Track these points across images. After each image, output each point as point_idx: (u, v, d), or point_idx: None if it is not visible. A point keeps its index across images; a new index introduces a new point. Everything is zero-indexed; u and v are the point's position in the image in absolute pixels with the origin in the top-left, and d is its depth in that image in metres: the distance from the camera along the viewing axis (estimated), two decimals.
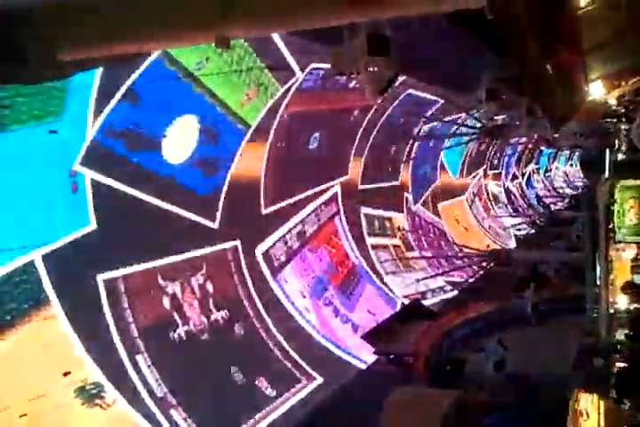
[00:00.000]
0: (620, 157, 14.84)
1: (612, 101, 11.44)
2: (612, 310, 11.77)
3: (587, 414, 8.47)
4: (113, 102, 10.03)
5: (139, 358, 10.74)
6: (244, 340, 13.53)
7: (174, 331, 11.72)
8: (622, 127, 14.97)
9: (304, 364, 14.48)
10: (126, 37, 4.30)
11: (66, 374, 9.50)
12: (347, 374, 14.72)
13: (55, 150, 9.49)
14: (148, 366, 10.83)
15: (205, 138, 12.49)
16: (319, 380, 14.44)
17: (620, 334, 11.51)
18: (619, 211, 11.23)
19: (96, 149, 9.94)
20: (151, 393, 10.80)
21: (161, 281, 11.64)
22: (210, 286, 12.90)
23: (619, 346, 11.38)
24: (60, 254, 9.53)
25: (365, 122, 18.62)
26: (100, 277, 10.33)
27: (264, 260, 14.74)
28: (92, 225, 10.13)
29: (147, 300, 11.22)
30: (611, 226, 11.46)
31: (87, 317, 9.97)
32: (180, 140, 11.81)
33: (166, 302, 11.70)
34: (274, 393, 13.41)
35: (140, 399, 10.62)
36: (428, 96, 19.84)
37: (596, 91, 7.58)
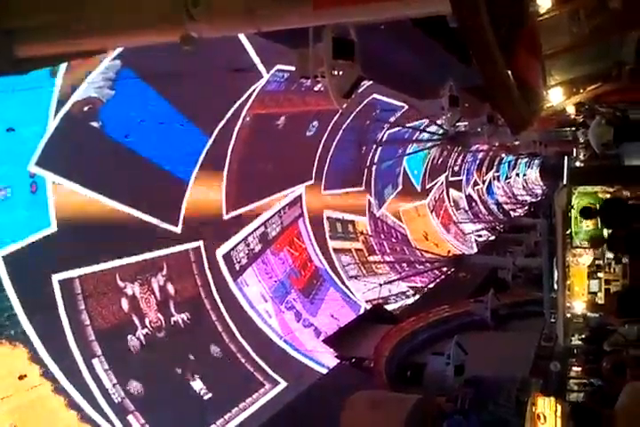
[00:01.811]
0: (578, 164, 15.18)
1: (571, 109, 11.68)
2: (568, 315, 11.97)
3: (544, 417, 8.58)
4: (74, 101, 9.86)
5: (95, 361, 10.51)
6: (205, 343, 13.37)
7: (133, 334, 11.51)
8: (580, 135, 15.31)
9: (267, 368, 14.40)
10: (87, 34, 4.21)
11: (21, 377, 9.26)
12: (308, 378, 14.68)
13: (13, 149, 9.27)
14: (105, 371, 10.61)
15: (168, 142, 12.36)
16: (283, 384, 14.37)
17: (577, 339, 11.72)
18: (576, 217, 11.44)
19: (54, 149, 9.73)
20: (108, 398, 10.58)
21: (119, 282, 11.41)
22: (171, 288, 12.72)
23: (575, 350, 11.60)
24: (19, 256, 9.33)
25: (330, 126, 18.65)
26: (56, 278, 10.10)
27: (225, 262, 14.62)
28: (53, 227, 9.94)
29: (104, 301, 10.99)
30: (568, 232, 11.67)
31: (44, 319, 9.75)
32: (142, 143, 11.66)
33: (125, 303, 11.48)
34: (236, 398, 13.29)
35: (96, 405, 10.40)
36: (393, 101, 19.99)
37: (555, 97, 7.76)
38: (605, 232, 11.35)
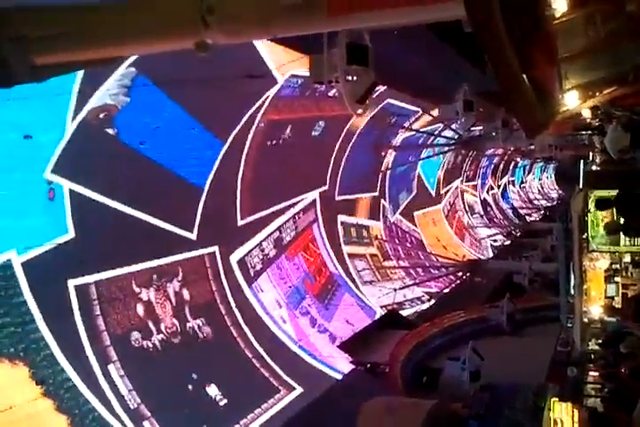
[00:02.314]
0: (594, 168, 15.07)
1: (587, 113, 11.60)
2: (585, 320, 11.88)
3: (561, 422, 8.52)
4: (90, 108, 9.94)
5: (111, 367, 10.55)
6: (221, 349, 13.38)
7: (148, 339, 11.54)
8: (596, 140, 15.20)
9: (282, 373, 14.38)
10: (103, 41, 4.25)
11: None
12: (323, 384, 14.65)
13: (30, 156, 9.37)
14: (121, 377, 10.64)
15: (183, 148, 12.42)
16: (298, 390, 14.34)
17: (594, 344, 11.62)
18: (592, 221, 11.38)
19: (70, 156, 9.82)
20: (123, 404, 10.61)
21: (135, 287, 11.45)
22: (186, 293, 12.74)
23: (592, 355, 11.49)
24: (37, 262, 9.41)
25: (344, 131, 18.67)
26: (72, 283, 10.16)
27: (239, 268, 14.64)
28: (70, 233, 10.01)
29: (120, 307, 11.03)
30: (584, 236, 11.59)
31: (60, 324, 9.82)
32: (157, 149, 11.72)
33: (140, 309, 11.51)
34: (252, 404, 13.26)
35: (112, 410, 10.43)
36: (407, 106, 19.97)
37: (571, 101, 7.71)
38: (621, 220, 11.28)
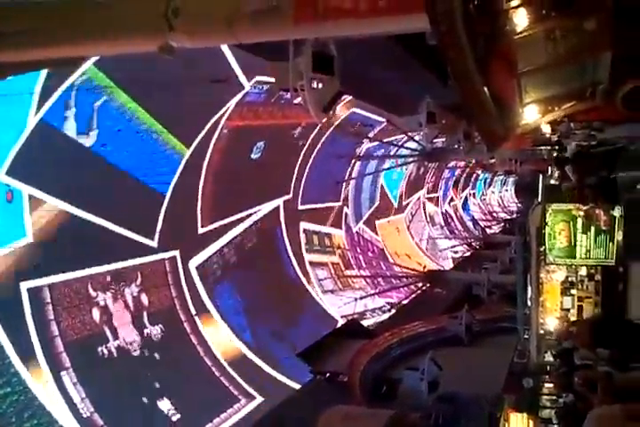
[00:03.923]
0: (553, 182, 15.35)
1: (546, 128, 11.82)
2: (542, 331, 12.03)
3: None
4: (51, 108, 9.75)
5: (63, 374, 10.26)
6: (179, 357, 13.17)
7: (104, 346, 11.28)
8: (555, 154, 15.52)
9: (242, 382, 14.24)
10: (67, 41, 4.18)
11: None
12: (283, 392, 14.55)
13: None
14: (74, 384, 10.37)
15: (145, 152, 12.25)
16: (259, 399, 14.20)
17: (549, 356, 11.77)
18: (550, 234, 11.54)
19: (27, 157, 9.59)
20: (76, 413, 10.34)
21: (91, 291, 11.17)
22: (145, 299, 12.51)
23: (548, 367, 11.64)
24: None
25: (309, 140, 18.70)
26: (24, 286, 9.86)
27: (198, 274, 14.47)
28: (28, 237, 9.77)
29: (75, 311, 10.76)
30: (542, 249, 11.76)
31: (13, 329, 9.56)
32: (119, 152, 11.54)
33: (96, 314, 11.24)
34: (210, 413, 13.07)
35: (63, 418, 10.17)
36: (373, 116, 20.12)
37: (531, 115, 7.87)
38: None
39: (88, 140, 10.69)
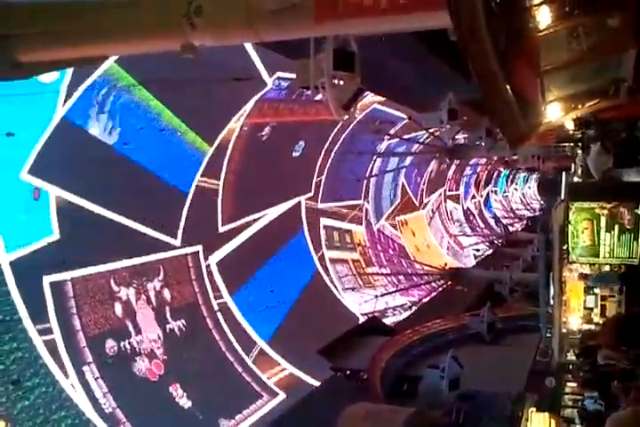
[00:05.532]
0: (576, 179, 15.19)
1: (570, 125, 11.70)
2: (564, 330, 11.94)
3: None
4: (74, 106, 9.83)
5: (85, 369, 10.31)
6: (202, 352, 13.21)
7: (126, 341, 11.31)
8: (578, 152, 15.35)
9: (265, 379, 14.26)
10: (89, 40, 4.23)
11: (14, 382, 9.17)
12: (303, 390, 14.59)
13: (14, 154, 9.23)
14: (96, 379, 10.40)
15: (168, 150, 12.29)
16: (281, 395, 14.22)
17: (572, 355, 11.68)
18: (573, 232, 11.42)
19: (51, 156, 9.64)
20: (98, 408, 10.38)
21: (114, 286, 11.17)
22: (167, 294, 12.51)
23: (570, 366, 11.55)
24: (21, 262, 9.27)
25: (330, 137, 18.67)
26: (47, 280, 9.92)
27: (219, 270, 14.50)
28: (55, 235, 9.85)
29: (97, 306, 10.79)
30: (565, 247, 11.65)
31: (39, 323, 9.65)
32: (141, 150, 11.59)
33: (119, 308, 11.25)
34: (232, 410, 13.09)
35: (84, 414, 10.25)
36: (394, 113, 20.03)
37: (554, 113, 7.79)
38: None
39: (111, 139, 10.76)
